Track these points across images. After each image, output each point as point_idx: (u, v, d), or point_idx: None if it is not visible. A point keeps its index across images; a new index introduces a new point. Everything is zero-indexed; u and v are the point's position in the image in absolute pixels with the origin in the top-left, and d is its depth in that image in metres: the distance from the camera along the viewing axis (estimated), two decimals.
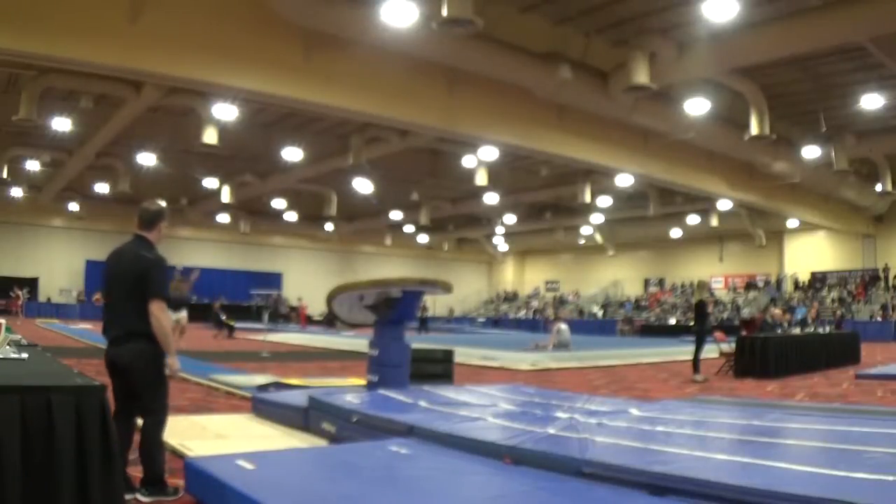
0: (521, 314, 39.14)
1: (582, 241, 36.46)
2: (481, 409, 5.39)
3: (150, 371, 3.65)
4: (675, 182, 20.52)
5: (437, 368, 7.89)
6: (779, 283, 31.80)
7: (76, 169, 22.52)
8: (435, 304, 34.91)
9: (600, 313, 36.00)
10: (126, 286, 3.62)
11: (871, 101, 15.33)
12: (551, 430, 4.57)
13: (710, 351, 11.90)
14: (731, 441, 4.46)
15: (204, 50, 10.77)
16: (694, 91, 14.44)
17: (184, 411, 6.71)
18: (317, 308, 29.65)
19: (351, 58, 11.99)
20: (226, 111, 15.62)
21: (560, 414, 5.16)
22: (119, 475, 2.76)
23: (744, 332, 14.10)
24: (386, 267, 37.34)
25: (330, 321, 24.75)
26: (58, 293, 31.77)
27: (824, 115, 16.82)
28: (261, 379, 8.62)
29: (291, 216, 31.14)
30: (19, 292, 29.36)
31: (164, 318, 3.57)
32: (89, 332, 19.91)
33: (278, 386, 7.78)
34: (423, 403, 5.48)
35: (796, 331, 14.54)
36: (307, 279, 36.31)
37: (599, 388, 9.66)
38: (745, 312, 28.83)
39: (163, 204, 3.83)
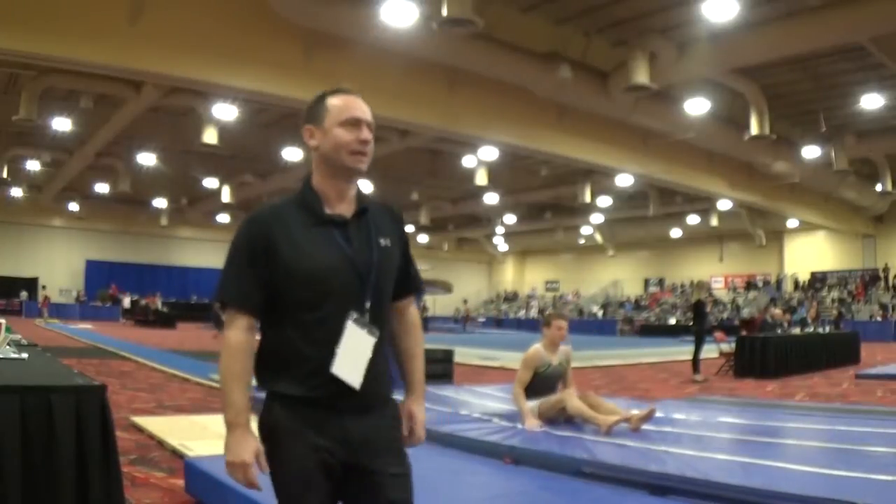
0: (521, 314, 39.13)
1: (582, 241, 36.46)
2: (481, 409, 5.39)
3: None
4: (675, 182, 20.52)
5: (437, 368, 7.90)
6: (779, 283, 31.80)
7: (76, 169, 22.49)
8: (435, 304, 34.92)
9: (600, 313, 36.00)
10: None
11: (871, 101, 15.32)
12: (551, 430, 4.57)
13: (710, 351, 11.90)
14: (731, 441, 4.46)
15: (204, 50, 10.76)
16: (694, 91, 14.44)
17: (184, 411, 6.72)
18: None
19: (351, 58, 11.98)
20: (226, 111, 15.62)
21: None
22: (119, 475, 2.76)
23: (744, 332, 14.10)
24: None
25: None
26: (58, 293, 31.80)
27: (824, 115, 16.81)
28: None
29: None
30: (46, 293, 29.51)
31: (224, 340, 1.66)
32: (89, 332, 19.95)
33: None
34: None
35: (796, 331, 14.53)
36: None
37: (599, 388, 9.64)
38: (745, 312, 28.84)
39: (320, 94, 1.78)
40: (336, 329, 1.64)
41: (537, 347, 5.14)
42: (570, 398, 4.82)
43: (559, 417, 4.92)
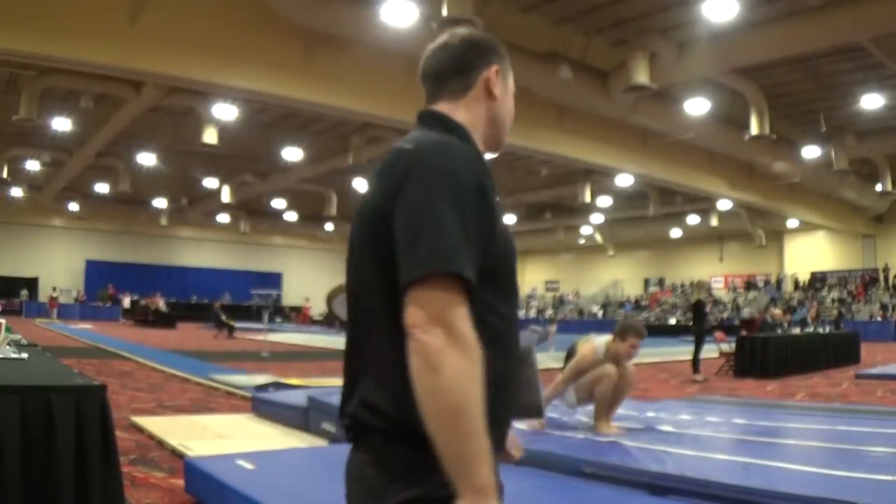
0: (521, 314, 39.14)
1: (582, 241, 36.45)
2: None
3: None
4: (675, 182, 20.51)
5: None
6: (779, 283, 31.79)
7: (76, 169, 22.51)
8: None
9: (600, 313, 35.98)
10: (359, 267, 1.17)
11: (871, 101, 15.32)
12: (551, 431, 4.57)
13: (710, 351, 11.91)
14: (731, 441, 4.46)
15: (204, 50, 10.77)
16: (694, 91, 14.44)
17: (184, 411, 6.72)
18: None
19: (351, 58, 11.98)
20: (226, 111, 15.63)
21: (560, 414, 5.16)
22: (119, 475, 2.76)
23: (744, 332, 14.10)
24: None
25: (330, 321, 24.76)
26: (58, 293, 31.83)
27: (824, 115, 16.81)
28: (261, 379, 8.63)
29: (291, 216, 31.16)
30: (54, 294, 29.51)
31: (451, 344, 0.96)
32: (89, 332, 19.95)
33: (278, 386, 7.78)
34: None
35: (796, 331, 14.52)
36: (307, 279, 36.32)
37: None
38: (745, 312, 28.83)
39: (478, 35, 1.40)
40: (516, 342, 1.14)
41: (596, 350, 4.51)
42: (604, 382, 4.32)
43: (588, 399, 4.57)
